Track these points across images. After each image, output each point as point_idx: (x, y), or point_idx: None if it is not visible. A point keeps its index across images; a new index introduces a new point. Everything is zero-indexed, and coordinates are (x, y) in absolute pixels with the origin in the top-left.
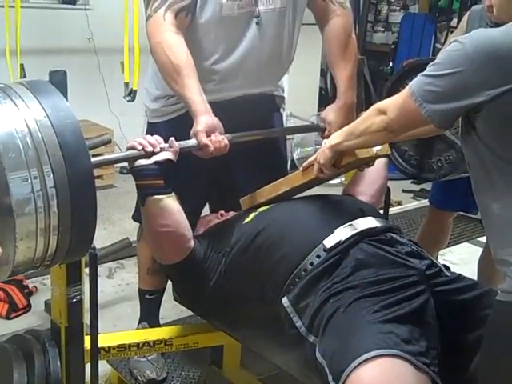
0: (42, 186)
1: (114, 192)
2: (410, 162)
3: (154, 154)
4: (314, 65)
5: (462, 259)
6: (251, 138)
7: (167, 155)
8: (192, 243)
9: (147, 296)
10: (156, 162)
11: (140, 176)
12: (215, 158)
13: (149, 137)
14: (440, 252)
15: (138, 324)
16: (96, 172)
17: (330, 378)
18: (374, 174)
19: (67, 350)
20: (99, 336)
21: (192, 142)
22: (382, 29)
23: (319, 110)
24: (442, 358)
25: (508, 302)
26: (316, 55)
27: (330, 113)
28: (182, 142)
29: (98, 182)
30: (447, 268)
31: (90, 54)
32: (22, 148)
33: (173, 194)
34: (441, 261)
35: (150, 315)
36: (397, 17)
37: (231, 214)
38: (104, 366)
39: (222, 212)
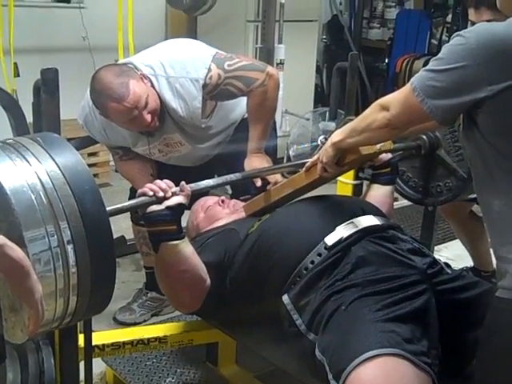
0: (59, 243)
1: (110, 190)
2: (409, 184)
3: (165, 198)
4: (309, 61)
5: (457, 255)
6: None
7: (179, 199)
8: (208, 282)
9: (147, 271)
10: (168, 207)
11: (153, 222)
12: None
13: (159, 182)
14: (436, 248)
15: (147, 293)
16: (92, 170)
17: (330, 376)
18: (380, 199)
19: (61, 348)
20: (93, 334)
21: (204, 183)
22: (378, 25)
23: (315, 107)
24: (442, 357)
25: (507, 299)
26: (311, 52)
27: (251, 162)
28: (192, 185)
29: None
30: (448, 265)
31: (84, 52)
32: (36, 204)
33: (186, 238)
34: (436, 257)
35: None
36: (392, 13)
37: (233, 202)
38: (100, 365)
39: (223, 198)
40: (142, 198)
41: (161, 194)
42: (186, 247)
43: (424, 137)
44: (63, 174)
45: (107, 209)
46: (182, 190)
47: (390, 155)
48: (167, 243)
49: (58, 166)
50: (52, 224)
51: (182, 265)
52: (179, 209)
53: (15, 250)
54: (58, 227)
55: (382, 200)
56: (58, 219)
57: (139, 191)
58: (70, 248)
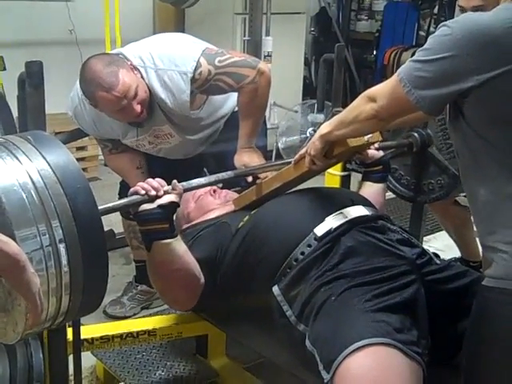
0: (51, 242)
1: (99, 185)
2: (401, 182)
3: (157, 197)
4: (297, 54)
5: (446, 245)
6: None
7: (171, 198)
8: (202, 280)
9: (137, 264)
10: (160, 206)
11: (145, 221)
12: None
13: (151, 180)
14: (425, 238)
15: (137, 287)
16: (80, 165)
17: (321, 366)
18: (372, 196)
19: (49, 342)
20: (82, 328)
21: (195, 181)
22: (366, 17)
23: (303, 99)
24: (431, 347)
25: (494, 287)
26: (299, 44)
27: (242, 157)
28: (184, 183)
29: None
30: (437, 256)
31: (71, 45)
32: (27, 203)
33: (178, 236)
34: (425, 247)
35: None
36: (380, 5)
37: (224, 192)
38: (90, 359)
39: (215, 188)
40: (134, 197)
41: (153, 192)
42: (179, 246)
43: (415, 134)
44: (54, 173)
45: (99, 208)
46: (173, 189)
47: (381, 153)
48: (160, 242)
49: (50, 165)
50: (44, 223)
51: (175, 264)
52: (171, 207)
53: (10, 245)
54: (50, 226)
55: (373, 198)
56: (49, 218)
57: (131, 190)
58: (61, 247)
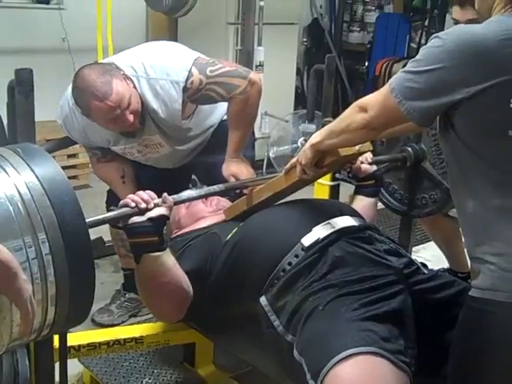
0: (37, 255)
1: (90, 192)
2: (394, 196)
3: (147, 210)
4: (289, 64)
5: (435, 256)
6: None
7: (161, 211)
8: (191, 293)
9: (125, 272)
10: (150, 219)
11: (135, 234)
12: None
13: (142, 193)
14: (414, 249)
15: (125, 294)
16: (71, 172)
17: (308, 375)
18: (363, 210)
19: (36, 349)
20: (69, 335)
21: (186, 194)
22: (358, 29)
23: (295, 109)
24: (418, 357)
25: (481, 298)
26: (291, 54)
27: (229, 167)
28: (175, 196)
29: (73, 183)
30: (425, 265)
31: (64, 53)
32: (14, 215)
33: (168, 249)
34: (414, 257)
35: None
36: (372, 17)
37: (215, 200)
38: (77, 366)
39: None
40: (124, 209)
41: (143, 205)
42: (168, 259)
43: (409, 149)
44: (42, 185)
45: (87, 220)
46: (164, 202)
47: (374, 167)
48: (149, 254)
49: (37, 177)
50: (30, 235)
51: (164, 277)
52: (161, 220)
53: (1, 252)
54: (36, 239)
55: (364, 211)
56: (36, 230)
57: (121, 202)
58: (48, 260)
